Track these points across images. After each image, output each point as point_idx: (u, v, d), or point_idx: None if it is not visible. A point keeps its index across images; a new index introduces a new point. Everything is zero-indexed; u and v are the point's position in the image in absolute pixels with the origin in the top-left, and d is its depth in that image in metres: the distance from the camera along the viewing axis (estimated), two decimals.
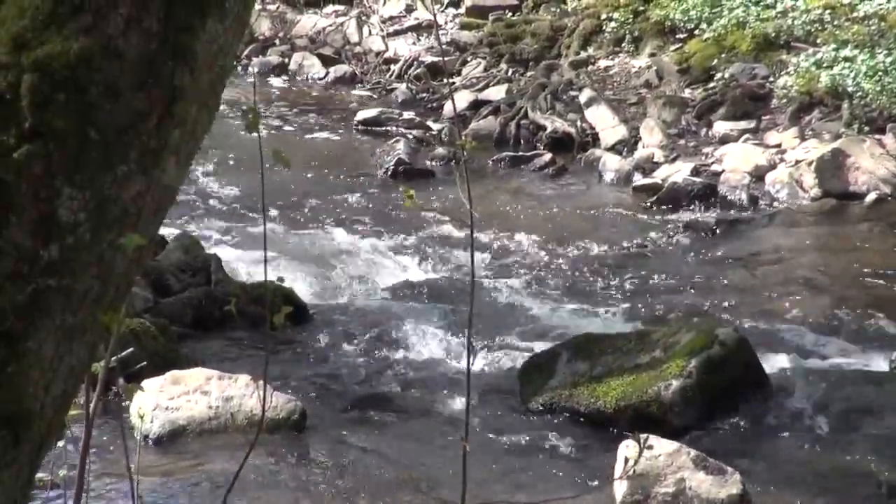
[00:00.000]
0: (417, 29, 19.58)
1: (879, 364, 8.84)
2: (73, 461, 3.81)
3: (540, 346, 8.91)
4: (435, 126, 16.30)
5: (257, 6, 16.27)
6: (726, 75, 14.97)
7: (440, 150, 14.94)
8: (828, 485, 7.16)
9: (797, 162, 13.06)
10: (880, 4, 14.77)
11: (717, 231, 12.11)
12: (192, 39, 2.19)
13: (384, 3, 20.40)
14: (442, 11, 19.52)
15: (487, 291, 10.29)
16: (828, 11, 15.02)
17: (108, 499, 6.59)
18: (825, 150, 12.82)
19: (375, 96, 18.31)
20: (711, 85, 15.08)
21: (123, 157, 2.14)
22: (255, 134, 2.75)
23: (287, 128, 16.62)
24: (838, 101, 13.65)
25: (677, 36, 16.31)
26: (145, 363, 6.88)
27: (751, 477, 6.88)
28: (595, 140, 14.91)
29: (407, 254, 11.56)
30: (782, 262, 11.35)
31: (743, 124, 14.19)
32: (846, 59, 13.74)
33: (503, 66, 17.53)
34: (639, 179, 13.67)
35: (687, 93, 15.27)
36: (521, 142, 15.37)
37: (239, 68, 18.68)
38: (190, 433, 7.49)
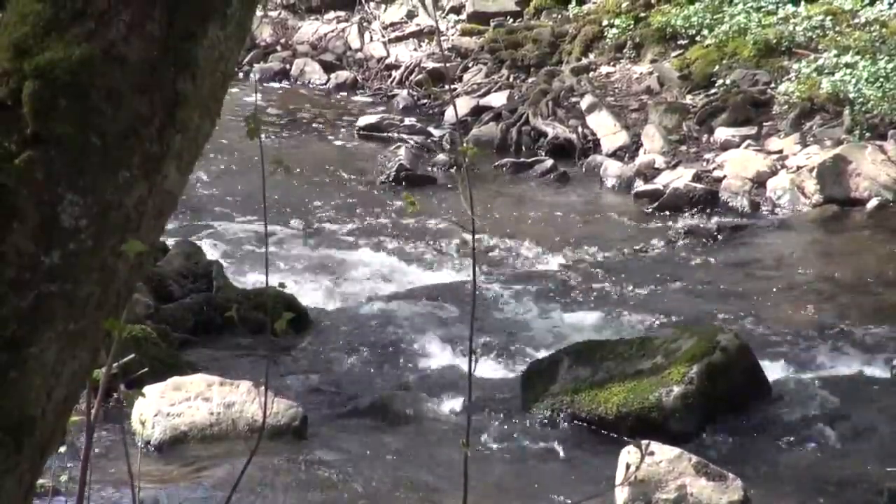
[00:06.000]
0: (419, 35, 19.60)
1: (881, 370, 8.83)
2: (74, 467, 3.81)
3: (541, 352, 8.91)
4: (436, 132, 16.32)
5: (259, 12, 16.29)
6: (728, 81, 14.97)
7: (441, 157, 14.95)
8: (829, 491, 7.15)
9: (798, 168, 13.06)
10: (881, 11, 14.78)
11: (719, 237, 12.11)
12: (194, 45, 2.19)
13: (385, 9, 20.42)
14: (443, 17, 19.53)
15: (489, 297, 10.29)
16: (829, 18, 15.03)
17: None
18: (826, 157, 12.82)
19: (377, 102, 18.33)
20: (713, 91, 15.09)
21: (125, 163, 2.15)
22: (256, 140, 2.75)
23: (288, 134, 16.63)
24: (840, 107, 13.65)
25: (679, 42, 16.31)
26: (146, 369, 6.88)
27: (752, 483, 6.88)
28: (596, 146, 14.92)
29: (408, 260, 11.56)
30: (784, 268, 11.35)
31: (744, 130, 14.19)
32: (847, 65, 13.74)
33: (504, 72, 17.54)
34: (640, 185, 13.68)
35: (688, 99, 15.27)
36: (523, 148, 15.38)
37: (240, 74, 18.70)
38: (191, 439, 7.48)
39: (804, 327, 9.72)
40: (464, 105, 16.63)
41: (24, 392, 2.11)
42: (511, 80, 17.32)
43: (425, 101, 17.85)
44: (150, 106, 2.15)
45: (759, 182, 13.14)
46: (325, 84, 19.24)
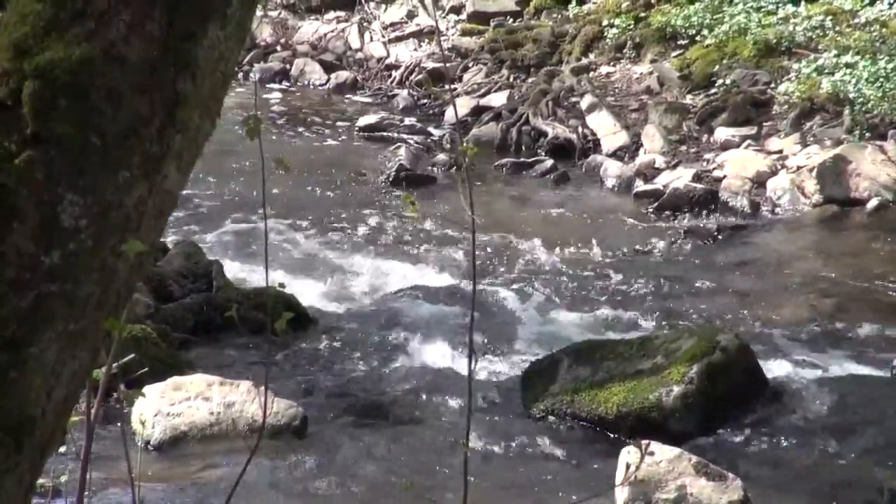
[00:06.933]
0: (419, 35, 19.59)
1: (881, 370, 8.83)
2: (74, 467, 3.81)
3: (541, 352, 8.91)
4: (436, 132, 16.33)
5: (259, 12, 16.29)
6: (727, 81, 14.97)
7: (441, 157, 14.95)
8: (829, 491, 7.15)
9: (798, 168, 13.06)
10: (881, 10, 14.78)
11: (719, 237, 12.11)
12: (194, 45, 2.19)
13: (385, 9, 20.42)
14: (443, 17, 19.53)
15: (489, 297, 10.29)
16: (829, 18, 15.03)
17: None
18: (826, 157, 12.82)
19: (377, 102, 18.32)
20: (713, 91, 15.08)
21: (125, 163, 2.15)
22: (255, 140, 2.75)
23: (288, 134, 16.63)
24: (840, 107, 13.65)
25: (679, 42, 16.31)
26: (146, 369, 6.88)
27: (752, 483, 6.87)
28: (596, 146, 14.92)
29: (408, 260, 11.56)
30: (783, 268, 11.35)
31: (744, 130, 14.19)
32: (847, 65, 13.74)
33: (504, 72, 17.54)
34: (640, 185, 13.68)
35: (688, 99, 15.27)
36: (523, 148, 15.38)
37: (240, 74, 18.70)
38: (191, 439, 7.48)
39: (804, 327, 9.72)
40: (464, 105, 16.63)
41: (24, 392, 2.12)
42: (511, 80, 17.32)
43: (425, 101, 17.84)
44: (150, 106, 2.16)
45: (759, 182, 13.14)
46: (325, 84, 19.24)
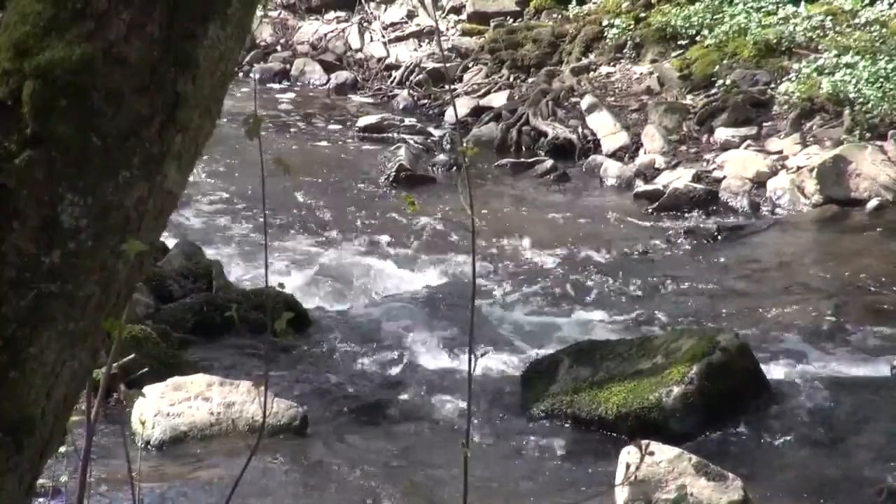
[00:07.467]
0: (419, 35, 19.59)
1: (881, 370, 8.83)
2: (74, 467, 3.81)
3: (541, 352, 8.91)
4: (436, 132, 16.33)
5: (259, 13, 16.29)
6: (727, 82, 14.97)
7: (441, 157, 14.96)
8: (829, 491, 7.15)
9: (798, 168, 13.06)
10: (881, 11, 14.78)
11: (719, 237, 12.11)
12: (195, 46, 2.19)
13: (385, 9, 20.42)
14: (443, 18, 19.53)
15: (489, 297, 10.29)
16: (829, 18, 15.03)
17: None
18: (826, 157, 12.82)
19: (377, 102, 18.32)
20: (713, 91, 15.09)
21: (125, 163, 2.14)
22: (255, 140, 2.75)
23: (288, 134, 16.63)
24: (840, 107, 13.65)
25: (679, 42, 16.31)
26: (147, 369, 6.88)
27: (752, 483, 6.88)
28: (596, 146, 14.92)
29: (408, 260, 11.56)
30: (783, 268, 11.35)
31: (744, 131, 14.19)
32: (848, 65, 13.74)
33: (504, 72, 17.53)
34: (640, 186, 13.68)
35: (688, 99, 15.27)
36: (523, 148, 15.38)
37: (240, 74, 18.69)
38: (191, 439, 7.49)
39: (804, 327, 9.71)
40: (464, 105, 16.63)
41: (24, 392, 2.12)
42: (511, 80, 17.31)
43: (425, 101, 17.84)
44: (151, 106, 2.15)
45: (759, 182, 13.14)
46: (326, 84, 19.24)
